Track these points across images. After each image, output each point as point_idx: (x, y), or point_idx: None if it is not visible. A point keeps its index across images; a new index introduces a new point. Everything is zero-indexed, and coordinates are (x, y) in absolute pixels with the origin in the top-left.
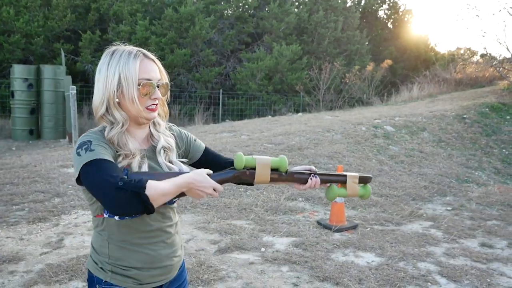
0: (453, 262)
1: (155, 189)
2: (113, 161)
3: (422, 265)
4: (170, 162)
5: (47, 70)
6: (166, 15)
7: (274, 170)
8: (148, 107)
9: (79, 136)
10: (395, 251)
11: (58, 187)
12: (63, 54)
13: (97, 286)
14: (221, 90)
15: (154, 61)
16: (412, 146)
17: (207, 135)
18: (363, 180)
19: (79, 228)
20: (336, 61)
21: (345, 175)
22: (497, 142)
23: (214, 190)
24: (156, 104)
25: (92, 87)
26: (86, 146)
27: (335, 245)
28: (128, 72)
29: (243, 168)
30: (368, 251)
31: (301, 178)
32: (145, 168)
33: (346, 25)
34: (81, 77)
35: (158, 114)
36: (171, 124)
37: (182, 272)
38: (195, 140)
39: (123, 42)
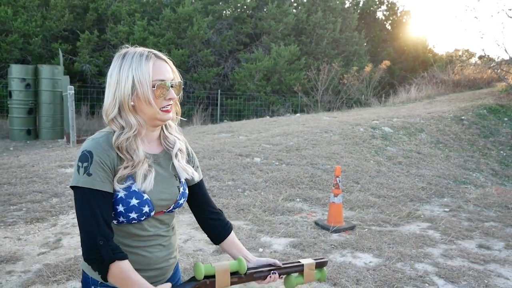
0: (451, 263)
1: (120, 273)
2: (107, 193)
3: (419, 266)
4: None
5: (45, 70)
6: (164, 15)
7: (233, 273)
8: (163, 109)
9: (76, 136)
10: (393, 252)
11: (56, 187)
12: (61, 54)
13: (93, 287)
14: (219, 90)
15: (166, 61)
16: (410, 147)
17: (205, 136)
18: (320, 265)
19: (77, 228)
20: (334, 62)
21: (302, 265)
22: (494, 144)
23: None
24: (171, 105)
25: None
26: (86, 164)
27: (332, 246)
28: (142, 74)
29: (204, 278)
30: (365, 252)
31: (260, 276)
32: (151, 179)
33: (344, 26)
34: (79, 77)
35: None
36: (179, 128)
37: (176, 272)
38: (197, 167)
39: (134, 45)
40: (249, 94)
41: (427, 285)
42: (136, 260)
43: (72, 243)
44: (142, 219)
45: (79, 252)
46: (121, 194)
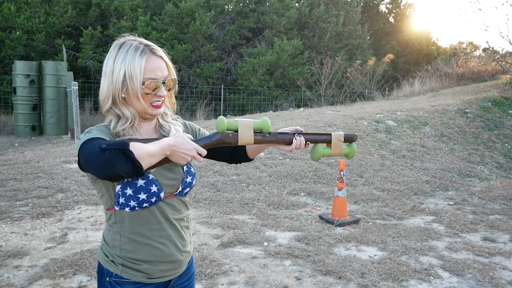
0: (456, 256)
1: (140, 147)
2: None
3: (424, 259)
4: None
5: (49, 66)
6: (166, 10)
7: (257, 132)
8: (153, 104)
9: (81, 132)
10: (397, 245)
11: (61, 182)
12: (64, 50)
13: (108, 278)
14: (222, 85)
15: (161, 57)
16: (414, 141)
17: (209, 131)
18: (349, 139)
19: (83, 223)
20: (337, 55)
21: (330, 134)
22: (499, 137)
23: (198, 154)
24: (162, 101)
25: (94, 83)
26: (87, 133)
27: (337, 240)
28: (133, 70)
29: (226, 131)
30: (370, 245)
31: (285, 139)
32: None
33: (347, 20)
34: (83, 73)
35: (165, 108)
36: (176, 116)
37: (190, 267)
38: (199, 129)
39: (133, 35)
40: (252, 88)
41: (432, 278)
42: (150, 252)
43: (78, 238)
44: (153, 200)
45: (85, 246)
46: None
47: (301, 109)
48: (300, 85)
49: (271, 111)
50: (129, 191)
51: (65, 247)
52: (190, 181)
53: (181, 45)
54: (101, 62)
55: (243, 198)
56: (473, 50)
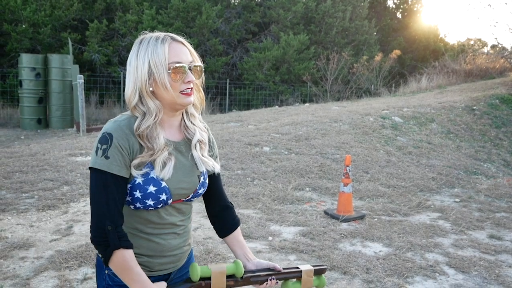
0: (462, 253)
1: (123, 260)
2: (123, 176)
3: (430, 256)
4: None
5: (55, 59)
6: (172, 4)
7: (230, 276)
8: (183, 92)
9: (86, 125)
10: (403, 242)
11: (67, 175)
12: (70, 43)
13: (106, 271)
14: (228, 80)
15: (183, 44)
16: (421, 137)
17: (214, 125)
18: (318, 272)
19: (88, 216)
20: (344, 51)
21: (300, 271)
22: (507, 134)
23: None
24: (191, 88)
25: (99, 77)
26: (105, 147)
27: (342, 235)
28: (157, 58)
29: (199, 280)
30: (375, 241)
31: (257, 281)
32: (169, 167)
33: (354, 15)
34: (88, 66)
35: (193, 101)
36: (203, 123)
37: (189, 259)
38: (216, 157)
39: (159, 24)
40: (258, 83)
41: (437, 274)
42: (150, 247)
43: (83, 230)
44: (159, 206)
45: None
46: (139, 180)
47: (307, 104)
48: (306, 80)
49: (276, 106)
50: (137, 194)
51: (70, 239)
52: (201, 192)
53: (187, 39)
54: (106, 55)
55: (248, 192)
56: (481, 46)
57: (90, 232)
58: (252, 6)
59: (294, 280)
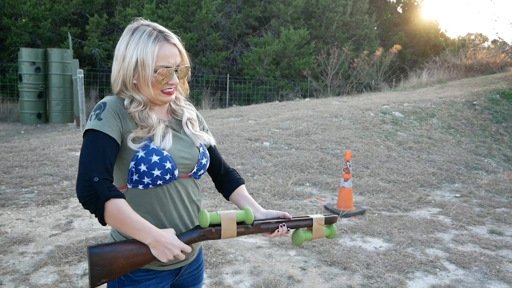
0: (462, 249)
1: (117, 210)
2: (114, 138)
3: (430, 251)
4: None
5: (55, 53)
6: None
7: (240, 223)
8: (164, 91)
9: (86, 119)
10: (403, 237)
11: (67, 170)
12: (70, 37)
13: None
14: (228, 74)
15: (175, 45)
16: (421, 132)
17: (215, 120)
18: (329, 221)
19: (88, 211)
20: (344, 46)
21: (311, 219)
22: (507, 129)
23: (182, 251)
24: (173, 88)
25: (99, 71)
26: (99, 111)
27: (342, 230)
28: (146, 57)
29: (209, 226)
30: (376, 237)
31: (268, 229)
32: (169, 138)
33: (354, 9)
34: (88, 61)
35: (177, 92)
36: (188, 102)
37: (199, 255)
38: (207, 131)
39: (159, 19)
40: (258, 78)
41: (438, 270)
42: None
43: (83, 225)
44: (167, 177)
45: (90, 234)
46: (141, 153)
47: (307, 99)
48: (306, 75)
49: (277, 101)
50: (143, 167)
51: (70, 234)
52: (205, 163)
53: (187, 33)
54: (107, 50)
55: (248, 187)
56: (482, 41)
57: (76, 191)
58: (252, 0)
59: (305, 229)
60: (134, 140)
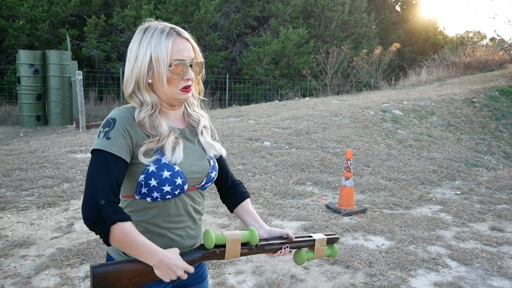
0: (464, 246)
1: (123, 233)
2: (123, 158)
3: (432, 249)
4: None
5: (53, 55)
6: None
7: (244, 244)
8: (182, 89)
9: (86, 122)
10: (405, 235)
11: (67, 172)
12: (68, 39)
13: None
14: (227, 74)
15: (188, 40)
16: (421, 130)
17: (214, 120)
18: (331, 241)
19: None
20: (343, 44)
21: (314, 240)
22: (506, 126)
23: (185, 271)
24: (190, 85)
25: (98, 73)
26: (107, 129)
27: (344, 229)
28: (160, 52)
29: (213, 247)
30: (377, 235)
31: (271, 250)
32: (179, 150)
33: (353, 8)
34: (87, 62)
35: (192, 94)
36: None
37: (201, 262)
38: (218, 141)
39: (157, 19)
40: (258, 78)
41: (440, 267)
42: (167, 243)
43: (84, 228)
44: (176, 192)
45: (92, 236)
46: (152, 168)
47: (307, 98)
48: (305, 74)
49: (276, 101)
50: (153, 182)
51: (71, 236)
52: (214, 176)
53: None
54: (105, 51)
55: (249, 187)
56: (480, 39)
57: (82, 213)
58: (251, 0)
59: (307, 249)
60: (145, 153)
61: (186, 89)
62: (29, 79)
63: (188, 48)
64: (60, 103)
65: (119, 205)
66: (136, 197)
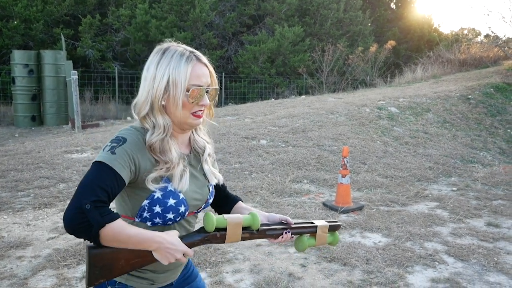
0: (460, 242)
1: (114, 233)
2: (122, 177)
3: (429, 245)
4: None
5: (48, 55)
6: None
7: (245, 228)
8: (194, 113)
9: (81, 122)
10: (402, 232)
11: (63, 172)
12: (63, 39)
13: (109, 287)
14: (223, 73)
15: (206, 65)
16: (417, 127)
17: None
18: (332, 229)
19: None
20: (339, 42)
21: (316, 226)
22: (502, 123)
23: (184, 254)
24: (203, 110)
25: (93, 72)
26: (115, 144)
27: (341, 226)
28: (178, 76)
29: (214, 230)
30: (374, 232)
31: (273, 235)
32: (186, 178)
33: (348, 6)
34: (82, 62)
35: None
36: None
37: (188, 263)
38: (215, 160)
39: (176, 41)
40: (254, 76)
41: (437, 263)
42: (160, 263)
43: None
44: (178, 219)
45: None
46: (158, 194)
47: (303, 96)
48: (301, 72)
49: (272, 99)
50: (157, 209)
51: (68, 237)
52: (211, 201)
53: (181, 33)
54: (100, 51)
55: (246, 186)
56: (475, 36)
57: (63, 220)
58: None
59: (309, 235)
60: (154, 180)
61: (199, 114)
62: (24, 80)
63: (205, 74)
64: (55, 103)
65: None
66: (136, 219)
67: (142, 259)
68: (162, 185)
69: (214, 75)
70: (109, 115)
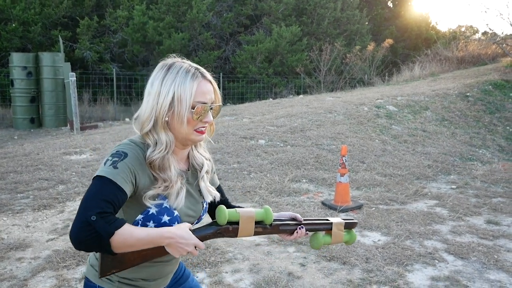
0: (460, 240)
1: (124, 239)
2: (124, 192)
3: (428, 243)
4: None
5: (46, 57)
6: None
7: (258, 222)
8: (197, 130)
9: (80, 124)
10: (401, 230)
11: (62, 174)
12: (61, 41)
13: None
14: (221, 73)
15: (211, 82)
16: (415, 126)
17: None
18: (348, 226)
19: None
20: (336, 41)
21: (331, 223)
22: (500, 120)
23: (195, 247)
24: (206, 127)
25: (92, 74)
26: (117, 159)
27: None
28: (184, 93)
29: (226, 223)
30: (374, 231)
31: (286, 230)
32: (182, 195)
33: (345, 5)
34: (80, 64)
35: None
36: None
37: (180, 266)
38: (214, 172)
39: (181, 57)
40: (251, 76)
41: (437, 261)
42: (150, 272)
43: None
44: None
45: None
46: (153, 210)
47: (301, 96)
48: (299, 72)
49: (270, 99)
50: (151, 224)
51: (67, 238)
52: (203, 218)
53: (178, 33)
54: (98, 52)
55: (244, 186)
56: (472, 33)
57: (70, 236)
58: None
59: (324, 233)
60: (152, 197)
61: (202, 130)
62: (23, 82)
63: (210, 90)
64: (54, 105)
65: None
66: None
67: (154, 251)
68: (158, 202)
69: (218, 91)
70: (108, 116)
